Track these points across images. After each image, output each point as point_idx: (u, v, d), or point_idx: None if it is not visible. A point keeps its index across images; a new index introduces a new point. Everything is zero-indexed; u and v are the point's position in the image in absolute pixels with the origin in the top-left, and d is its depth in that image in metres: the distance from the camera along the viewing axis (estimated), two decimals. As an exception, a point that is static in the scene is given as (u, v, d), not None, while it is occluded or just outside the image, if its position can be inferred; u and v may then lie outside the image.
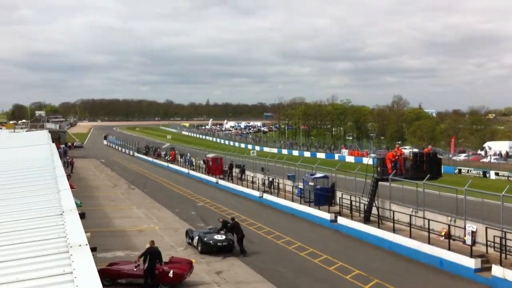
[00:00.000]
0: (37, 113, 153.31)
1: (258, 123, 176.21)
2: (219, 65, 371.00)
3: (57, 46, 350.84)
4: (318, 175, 31.70)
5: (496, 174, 51.04)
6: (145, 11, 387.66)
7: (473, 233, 20.49)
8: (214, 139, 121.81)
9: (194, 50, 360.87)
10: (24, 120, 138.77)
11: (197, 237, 21.91)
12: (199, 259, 20.24)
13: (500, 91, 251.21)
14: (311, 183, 30.79)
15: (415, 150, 50.93)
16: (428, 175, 24.28)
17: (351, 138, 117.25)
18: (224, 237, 21.68)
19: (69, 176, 29.28)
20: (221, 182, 44.31)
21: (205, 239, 21.48)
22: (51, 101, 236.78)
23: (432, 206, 23.42)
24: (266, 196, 35.72)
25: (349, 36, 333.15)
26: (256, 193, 37.05)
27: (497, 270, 17.70)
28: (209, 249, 21.27)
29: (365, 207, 26.08)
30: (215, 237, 21.59)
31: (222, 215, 26.68)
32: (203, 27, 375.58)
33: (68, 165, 50.71)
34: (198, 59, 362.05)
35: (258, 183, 39.03)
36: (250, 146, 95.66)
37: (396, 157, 25.84)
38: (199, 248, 21.56)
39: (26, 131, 67.94)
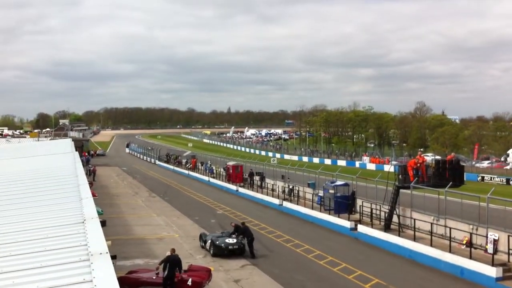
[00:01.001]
0: (61, 121, 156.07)
1: (279, 131, 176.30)
2: (242, 72, 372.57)
3: (82, 55, 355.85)
4: (339, 182, 31.58)
5: (520, 181, 50.30)
6: (171, 21, 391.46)
7: (495, 242, 20.22)
8: (235, 147, 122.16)
9: (218, 58, 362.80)
10: (48, 129, 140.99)
11: (209, 241, 22.77)
12: (218, 267, 20.36)
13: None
14: (331, 191, 30.70)
15: (438, 157, 50.42)
16: (450, 183, 24.08)
17: (372, 146, 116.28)
18: (235, 240, 22.50)
19: (91, 184, 29.69)
20: (241, 190, 44.45)
21: (217, 242, 22.29)
22: (75, 110, 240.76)
23: (454, 214, 23.13)
24: (286, 204, 35.72)
25: (374, 43, 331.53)
26: (276, 201, 37.08)
27: (519, 280, 17.47)
28: (221, 252, 22.06)
29: (386, 215, 25.91)
30: (227, 240, 22.42)
31: (236, 221, 26.77)
32: (228, 36, 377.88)
33: (91, 173, 51.37)
34: (221, 67, 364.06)
35: (278, 191, 39.06)
36: (270, 154, 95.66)
37: (418, 165, 25.68)
38: (211, 251, 22.42)
39: (50, 139, 69.13)
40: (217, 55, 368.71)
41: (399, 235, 24.02)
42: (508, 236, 19.59)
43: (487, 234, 20.65)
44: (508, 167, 62.20)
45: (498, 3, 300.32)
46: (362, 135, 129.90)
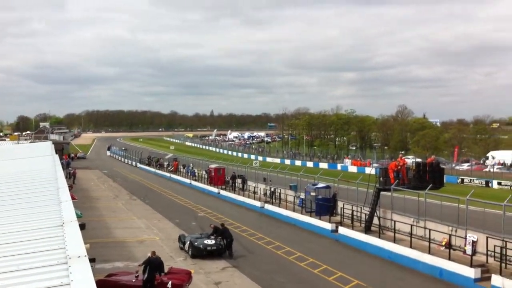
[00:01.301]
0: (41, 124, 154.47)
1: (262, 134, 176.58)
2: (227, 76, 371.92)
3: (66, 58, 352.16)
4: (320, 185, 31.74)
5: (499, 183, 50.97)
6: (156, 24, 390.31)
7: (474, 243, 20.49)
8: (218, 150, 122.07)
9: (203, 62, 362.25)
10: (28, 132, 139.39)
11: (188, 242, 22.92)
12: (198, 269, 20.31)
13: (507, 100, 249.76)
14: (313, 193, 30.83)
15: (418, 160, 50.95)
16: (430, 185, 24.42)
17: (354, 148, 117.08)
18: (214, 241, 22.69)
19: (70, 187, 29.45)
20: (223, 192, 44.40)
21: (196, 243, 22.49)
22: (57, 113, 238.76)
23: (433, 216, 23.41)
24: (267, 206, 35.77)
25: (359, 47, 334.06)
26: (257, 204, 37.12)
27: (496, 280, 17.69)
28: (199, 253, 22.23)
29: (366, 217, 26.14)
30: (206, 241, 22.63)
31: (217, 223, 26.71)
32: (214, 39, 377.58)
33: (71, 176, 50.90)
34: (207, 70, 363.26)
35: (260, 193, 39.13)
36: (253, 157, 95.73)
37: (399, 167, 25.96)
38: (190, 252, 22.56)
39: (30, 142, 68.41)
40: (202, 58, 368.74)
41: (379, 237, 24.23)
42: (487, 237, 19.87)
43: (466, 236, 20.94)
44: (487, 169, 63.09)
45: (482, 8, 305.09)
46: (344, 138, 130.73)
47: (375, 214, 25.73)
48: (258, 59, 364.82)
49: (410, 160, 50.74)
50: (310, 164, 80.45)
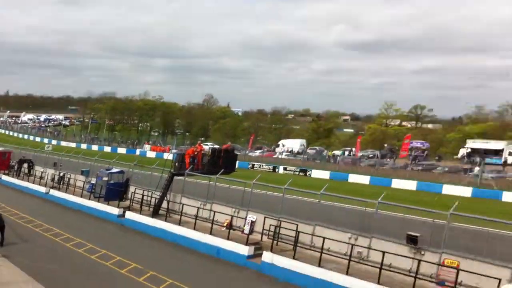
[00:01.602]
0: None
1: (60, 117, 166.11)
2: (30, 55, 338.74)
3: None
4: (114, 170, 30.88)
5: (285, 169, 55.15)
6: None
7: (252, 223, 21.65)
8: (8, 132, 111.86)
9: (4, 38, 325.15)
10: None
11: None
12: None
13: (305, 94, 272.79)
14: (105, 178, 29.82)
15: (216, 146, 52.60)
16: (222, 170, 25.30)
17: (156, 134, 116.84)
18: None
19: None
20: (5, 177, 40.76)
21: None
22: None
23: (221, 199, 24.29)
24: (53, 192, 33.75)
25: (174, 35, 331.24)
26: (42, 189, 34.81)
27: (266, 256, 18.94)
28: None
29: (156, 201, 26.03)
30: None
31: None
32: (19, 14, 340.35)
33: None
34: (9, 48, 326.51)
35: (47, 178, 36.75)
36: (46, 140, 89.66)
37: (196, 153, 26.47)
38: None
39: None
40: (4, 34, 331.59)
41: (165, 220, 24.29)
42: (265, 217, 21.20)
43: (246, 217, 22.01)
44: (276, 155, 67.82)
45: (290, 8, 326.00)
46: (147, 124, 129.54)
47: (165, 198, 25.73)
48: (68, 39, 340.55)
49: (208, 146, 52.23)
50: (108, 149, 77.94)
